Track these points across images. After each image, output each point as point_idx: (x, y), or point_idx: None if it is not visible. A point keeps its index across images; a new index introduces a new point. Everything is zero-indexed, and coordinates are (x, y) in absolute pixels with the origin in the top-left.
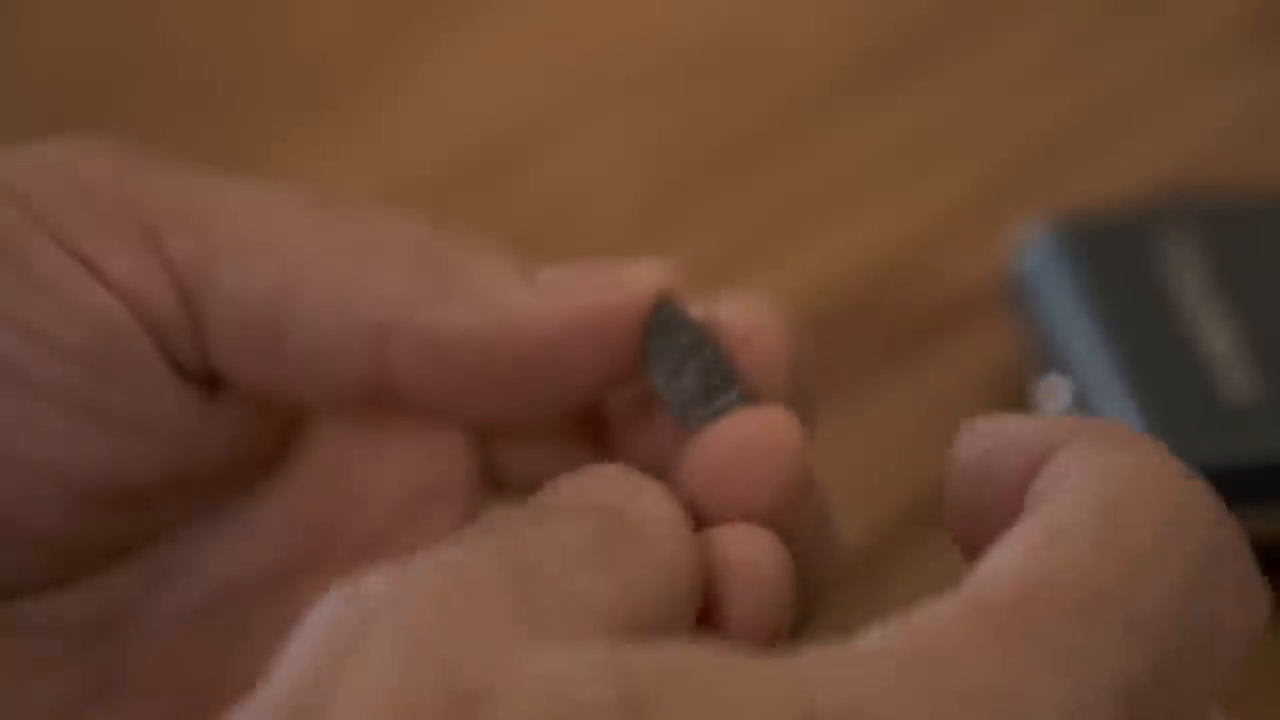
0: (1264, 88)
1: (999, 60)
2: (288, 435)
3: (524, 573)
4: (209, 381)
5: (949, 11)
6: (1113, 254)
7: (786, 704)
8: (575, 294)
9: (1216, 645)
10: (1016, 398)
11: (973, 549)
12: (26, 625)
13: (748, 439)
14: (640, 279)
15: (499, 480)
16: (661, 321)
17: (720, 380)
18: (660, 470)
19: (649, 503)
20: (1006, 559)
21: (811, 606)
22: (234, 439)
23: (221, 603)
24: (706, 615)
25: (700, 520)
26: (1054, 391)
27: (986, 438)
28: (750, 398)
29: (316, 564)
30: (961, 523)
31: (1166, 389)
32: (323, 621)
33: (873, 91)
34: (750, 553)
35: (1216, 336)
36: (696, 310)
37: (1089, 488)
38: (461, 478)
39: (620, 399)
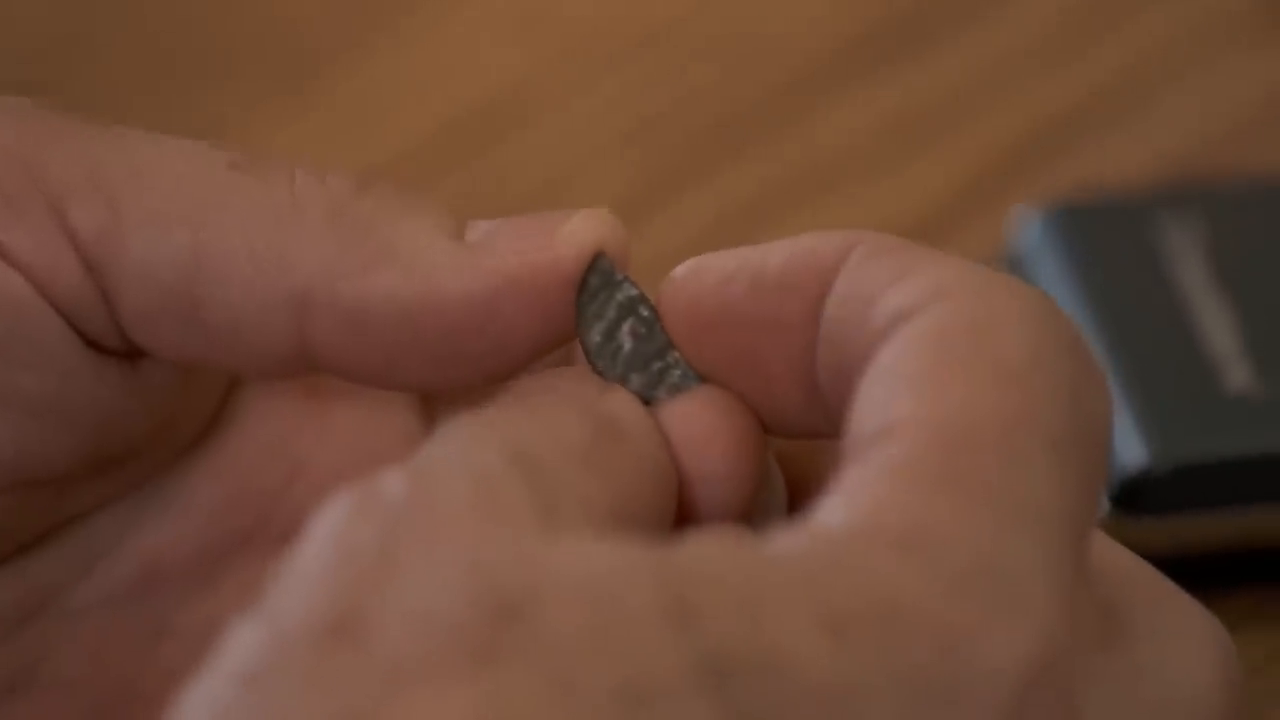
0: (1270, 73)
1: (999, 39)
2: (218, 405)
3: (533, 470)
4: (128, 355)
5: None
6: (1111, 237)
7: (818, 601)
8: (505, 253)
9: (1105, 437)
10: None
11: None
12: None
13: (714, 425)
14: (574, 235)
15: None
16: (598, 278)
17: (655, 345)
18: None
19: (624, 402)
20: (902, 411)
21: None
22: (158, 412)
23: (147, 587)
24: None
25: None
26: None
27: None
28: (687, 364)
29: (250, 541)
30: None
31: (1161, 376)
32: (339, 533)
33: (867, 71)
34: (714, 425)
35: (1214, 324)
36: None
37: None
38: (405, 444)
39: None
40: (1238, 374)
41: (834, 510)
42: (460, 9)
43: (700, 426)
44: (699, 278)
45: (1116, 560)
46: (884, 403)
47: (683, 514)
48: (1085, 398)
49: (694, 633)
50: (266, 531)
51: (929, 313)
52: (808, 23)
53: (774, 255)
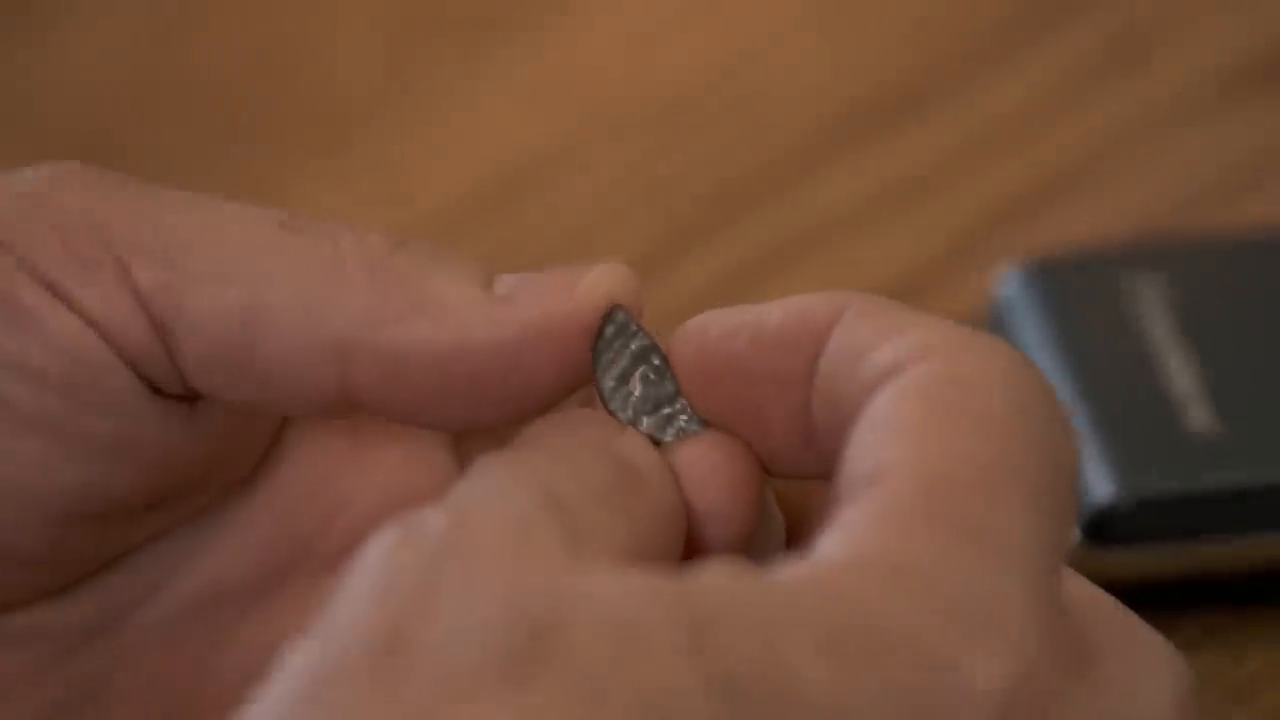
0: (1237, 140)
1: (981, 112)
2: (270, 443)
3: (560, 509)
4: (188, 398)
5: (934, 61)
6: (1082, 292)
7: (818, 626)
8: (529, 304)
9: (1074, 483)
10: None
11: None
12: (11, 636)
13: (719, 466)
14: (592, 288)
15: None
16: (613, 328)
17: (665, 392)
18: None
19: (638, 445)
20: (892, 457)
21: None
22: (215, 450)
23: (206, 608)
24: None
25: None
26: None
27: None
28: (693, 410)
29: (299, 567)
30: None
31: (1128, 417)
32: (386, 562)
33: (860, 141)
34: (720, 463)
35: (1176, 369)
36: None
37: (923, 386)
38: (440, 479)
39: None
40: (1198, 415)
41: (832, 546)
42: (487, 79)
43: (707, 468)
44: (705, 332)
45: (1081, 591)
46: (875, 449)
47: (691, 548)
48: (1057, 446)
49: (708, 655)
50: (313, 557)
51: (915, 369)
52: (806, 97)
53: (773, 314)
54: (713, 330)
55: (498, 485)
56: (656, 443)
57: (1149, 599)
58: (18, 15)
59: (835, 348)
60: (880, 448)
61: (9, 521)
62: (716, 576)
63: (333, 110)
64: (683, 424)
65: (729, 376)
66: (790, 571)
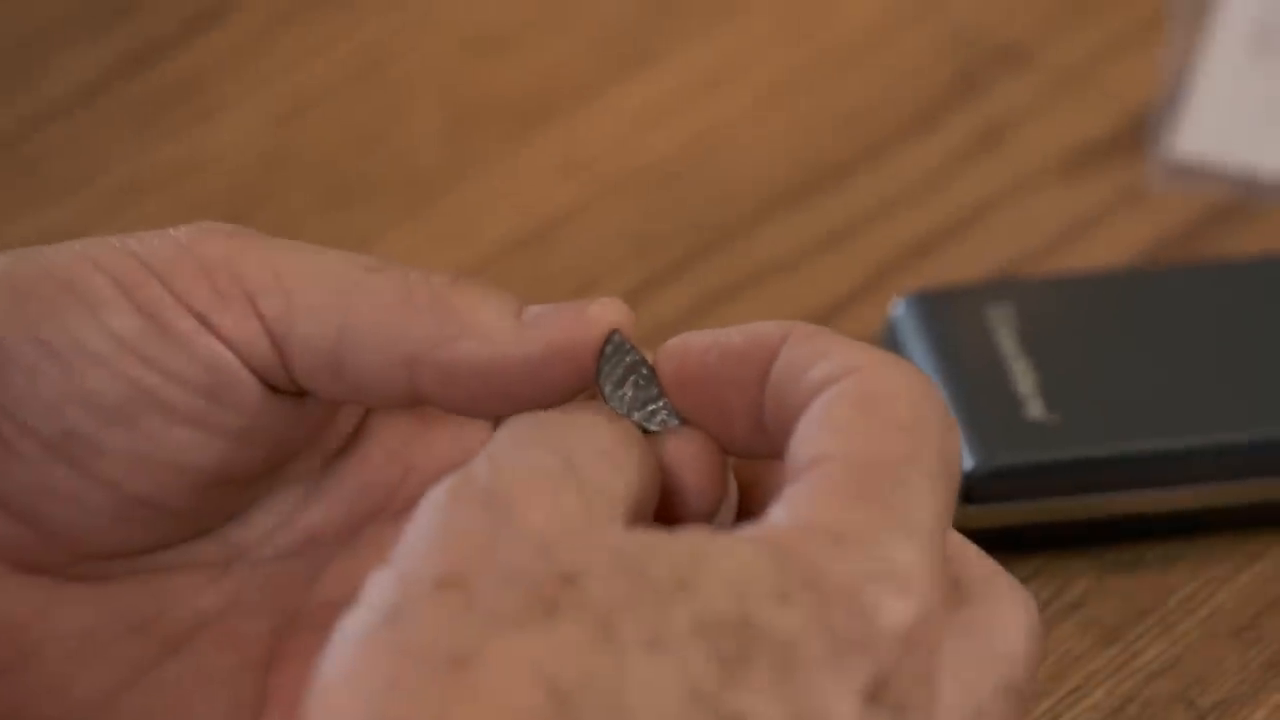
0: (1070, 207)
1: (883, 184)
2: (358, 426)
3: (572, 466)
4: (298, 394)
5: (853, 144)
6: (954, 316)
7: (774, 579)
8: (551, 328)
9: (958, 466)
10: None
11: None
12: (172, 565)
13: (694, 452)
14: (598, 315)
15: None
16: (612, 346)
17: (651, 394)
18: None
19: (628, 426)
20: (827, 448)
21: None
22: (318, 432)
23: (308, 547)
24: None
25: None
26: None
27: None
28: (673, 408)
29: (376, 518)
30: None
31: (984, 408)
32: (443, 509)
33: (798, 201)
34: (695, 448)
35: (1020, 374)
36: (638, 344)
37: (846, 401)
38: None
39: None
40: (1035, 408)
41: (781, 514)
42: (524, 155)
43: (687, 454)
44: (685, 347)
45: (954, 542)
46: (814, 442)
47: (673, 515)
48: (948, 444)
49: (693, 599)
50: (388, 511)
51: (844, 381)
52: (756, 170)
53: (736, 335)
54: (691, 346)
55: (526, 445)
56: (645, 432)
57: (999, 543)
58: (186, 99)
59: (783, 362)
60: (818, 441)
61: (165, 486)
62: (697, 537)
63: (412, 178)
64: (664, 418)
65: (703, 381)
66: (751, 532)
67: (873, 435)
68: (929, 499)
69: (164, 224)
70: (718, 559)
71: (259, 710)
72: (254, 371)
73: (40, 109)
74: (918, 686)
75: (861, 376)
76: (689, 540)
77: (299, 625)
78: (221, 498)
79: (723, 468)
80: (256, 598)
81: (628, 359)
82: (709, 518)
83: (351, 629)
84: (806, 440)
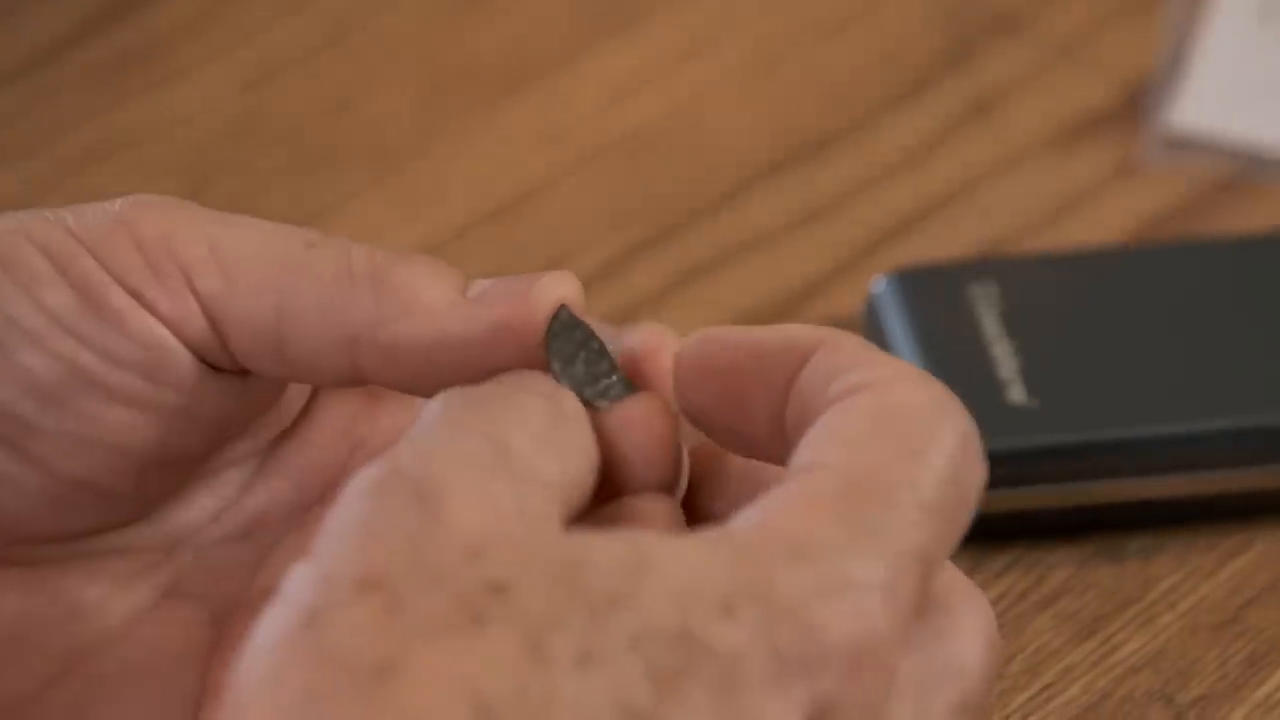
0: (1057, 182)
1: (871, 154)
2: (305, 405)
3: (510, 455)
4: (239, 373)
5: (834, 116)
6: (935, 295)
7: (721, 590)
8: (496, 305)
9: (969, 504)
10: None
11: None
12: (109, 550)
13: (645, 418)
14: (544, 291)
15: None
16: (560, 322)
17: (602, 368)
18: None
19: (567, 397)
20: (827, 457)
21: None
22: (263, 412)
23: (254, 530)
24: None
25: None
26: None
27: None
28: (628, 382)
29: (325, 498)
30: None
31: (964, 391)
32: (366, 502)
33: (778, 175)
34: (649, 416)
35: (1002, 357)
36: (588, 316)
37: (860, 408)
38: None
39: None
40: (1016, 392)
41: (751, 515)
42: (495, 125)
43: (636, 418)
44: (713, 340)
45: None
46: (815, 448)
47: (617, 488)
48: (963, 472)
49: (630, 610)
50: (337, 490)
51: (864, 393)
52: (734, 142)
53: (771, 335)
54: (721, 340)
55: (457, 429)
56: (596, 408)
57: (975, 532)
58: (146, 64)
59: (812, 368)
60: (819, 448)
61: (102, 468)
62: (642, 538)
63: (379, 146)
64: (618, 392)
65: (728, 376)
66: (711, 533)
67: (876, 452)
68: (914, 530)
69: (126, 190)
70: (662, 564)
71: (198, 701)
72: (192, 350)
73: None
74: (863, 715)
75: (883, 390)
76: (632, 542)
77: (242, 612)
78: (161, 480)
79: (674, 435)
80: (198, 584)
81: (577, 334)
82: (663, 489)
83: (269, 630)
84: (809, 445)
